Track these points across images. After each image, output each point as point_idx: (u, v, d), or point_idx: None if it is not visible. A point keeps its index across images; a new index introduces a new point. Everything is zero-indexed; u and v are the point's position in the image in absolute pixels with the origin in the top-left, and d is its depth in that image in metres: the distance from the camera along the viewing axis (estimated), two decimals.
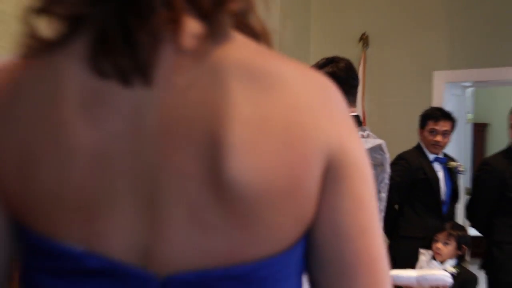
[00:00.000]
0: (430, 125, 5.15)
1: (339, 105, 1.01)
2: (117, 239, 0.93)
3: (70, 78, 0.92)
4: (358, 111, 3.87)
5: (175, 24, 0.91)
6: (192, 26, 0.94)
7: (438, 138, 5.17)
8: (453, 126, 5.44)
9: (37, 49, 0.94)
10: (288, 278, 0.99)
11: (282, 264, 0.97)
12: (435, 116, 5.24)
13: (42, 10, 0.93)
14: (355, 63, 3.94)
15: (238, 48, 0.96)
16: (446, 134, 5.29)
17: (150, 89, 0.91)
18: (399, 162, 4.94)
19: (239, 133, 0.90)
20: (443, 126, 5.24)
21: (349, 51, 7.65)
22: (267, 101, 0.93)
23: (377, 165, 3.38)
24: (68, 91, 0.91)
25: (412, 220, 4.91)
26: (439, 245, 4.69)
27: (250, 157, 0.90)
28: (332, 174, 0.97)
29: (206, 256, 0.93)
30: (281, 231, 0.95)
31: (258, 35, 1.03)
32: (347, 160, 0.99)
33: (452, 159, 5.31)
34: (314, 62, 3.71)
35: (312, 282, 1.03)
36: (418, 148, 5.16)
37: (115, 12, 0.89)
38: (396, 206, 4.91)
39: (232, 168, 0.89)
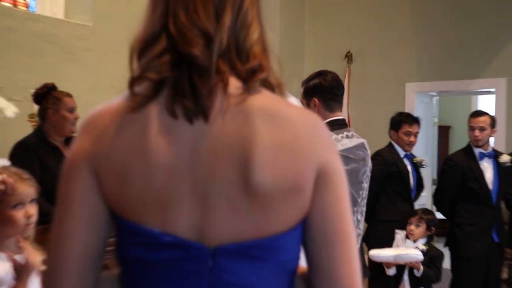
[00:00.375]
0: (406, 128, 5.11)
1: (325, 133, 1.25)
2: (182, 223, 1.17)
3: (154, 118, 1.17)
4: (344, 115, 3.80)
5: (223, 83, 1.17)
6: (234, 83, 1.19)
7: (412, 138, 5.15)
8: (419, 129, 5.43)
9: (136, 102, 1.19)
10: (292, 246, 1.23)
11: (289, 237, 1.21)
12: (410, 120, 5.20)
13: (139, 77, 1.21)
14: (341, 76, 3.92)
15: (261, 97, 1.20)
16: (416, 135, 5.27)
17: (205, 124, 1.16)
18: (376, 158, 4.90)
19: (261, 154, 1.15)
20: (415, 128, 5.22)
21: (337, 66, 7.63)
22: (279, 132, 1.17)
23: (359, 160, 3.33)
24: (152, 127, 1.16)
25: (387, 206, 4.88)
26: (412, 227, 4.67)
27: (268, 170, 1.15)
28: (321, 180, 1.21)
29: (239, 233, 1.17)
30: (288, 217, 1.20)
31: (274, 88, 1.26)
32: (330, 171, 1.22)
33: (414, 156, 5.27)
34: (307, 75, 3.67)
35: (306, 250, 1.26)
36: (390, 146, 5.12)
37: (186, 75, 1.16)
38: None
39: (257, 177, 1.15)
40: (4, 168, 2.32)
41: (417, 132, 5.29)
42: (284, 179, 1.16)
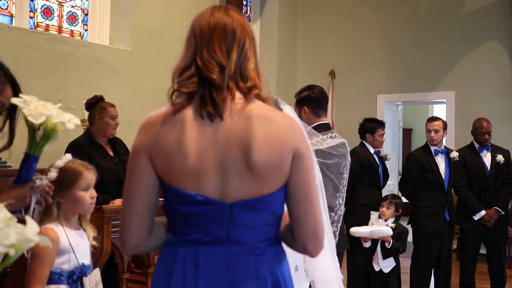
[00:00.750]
0: (380, 131, 5.06)
1: (298, 129, 1.52)
2: (209, 188, 1.43)
3: (188, 119, 1.45)
4: (328, 120, 3.78)
5: (231, 95, 1.46)
6: (238, 96, 1.47)
7: (384, 138, 5.12)
8: None
9: (175, 108, 1.47)
10: (279, 201, 1.49)
11: (277, 195, 1.47)
12: (382, 126, 5.15)
13: (176, 90, 1.50)
14: (326, 89, 3.91)
15: (256, 106, 1.48)
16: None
17: (221, 122, 1.44)
18: (352, 155, 4.85)
19: (257, 143, 1.42)
20: (385, 131, 5.18)
21: (322, 81, 7.62)
22: (268, 129, 1.44)
23: (341, 155, 3.31)
24: (187, 125, 1.44)
25: (362, 192, 4.84)
26: (384, 209, 4.64)
27: (263, 153, 1.42)
28: (295, 159, 1.47)
29: (245, 194, 1.44)
30: (275, 183, 1.46)
31: (264, 99, 1.52)
32: (301, 153, 1.48)
33: (381, 152, 5.21)
34: (299, 88, 3.65)
35: (287, 204, 1.51)
36: (362, 144, 5.07)
37: (207, 91, 1.45)
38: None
39: (255, 158, 1.42)
40: (73, 160, 2.36)
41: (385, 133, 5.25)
42: (272, 159, 1.43)
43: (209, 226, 1.45)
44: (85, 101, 4.32)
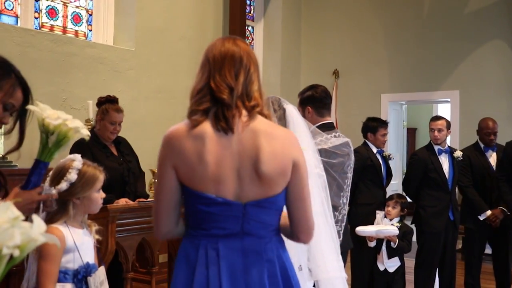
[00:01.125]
0: (382, 131, 5.05)
1: (296, 143, 1.85)
2: (227, 191, 1.73)
3: (208, 131, 1.73)
4: (332, 119, 3.79)
5: (239, 112, 1.76)
6: (244, 113, 1.77)
7: (386, 138, 5.10)
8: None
9: (194, 123, 1.75)
10: (282, 200, 1.83)
11: (280, 196, 1.81)
12: (385, 125, 5.14)
13: (194, 110, 1.77)
14: (329, 89, 3.91)
15: (260, 122, 1.79)
16: (387, 135, 5.21)
17: (233, 135, 1.74)
18: (355, 154, 4.86)
19: (264, 155, 1.74)
20: (387, 130, 5.17)
21: (326, 81, 7.62)
22: (273, 144, 1.76)
23: (345, 155, 3.31)
24: (207, 136, 1.72)
25: (364, 192, 4.83)
26: (390, 208, 4.64)
27: (269, 164, 1.74)
28: (294, 168, 1.80)
29: (256, 195, 1.76)
30: (279, 186, 1.79)
31: (266, 116, 1.83)
32: (299, 163, 1.82)
33: (384, 151, 5.20)
34: (303, 87, 3.65)
35: (286, 204, 1.85)
36: (365, 144, 5.05)
37: (220, 109, 1.75)
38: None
39: (263, 167, 1.74)
40: (85, 162, 2.40)
41: (387, 133, 5.24)
42: (277, 169, 1.76)
43: (226, 222, 1.77)
44: (90, 101, 4.35)
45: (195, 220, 1.78)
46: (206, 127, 1.73)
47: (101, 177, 2.41)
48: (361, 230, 4.42)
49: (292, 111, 2.80)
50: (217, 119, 1.74)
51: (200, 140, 1.72)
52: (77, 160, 2.34)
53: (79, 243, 2.29)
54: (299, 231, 1.87)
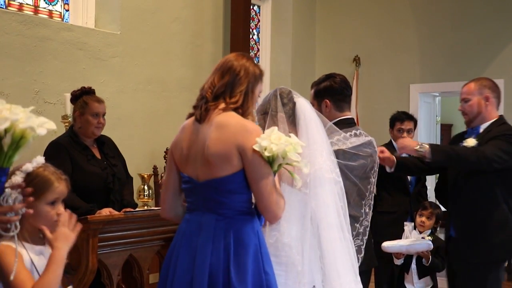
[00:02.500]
0: (398, 125, 5.07)
1: (247, 131, 2.45)
2: (191, 171, 2.54)
3: (189, 123, 2.62)
4: (352, 114, 3.78)
5: (216, 107, 2.55)
6: (220, 107, 2.55)
7: (404, 135, 5.09)
8: (415, 125, 5.34)
9: (188, 115, 2.67)
10: (231, 184, 2.45)
11: (228, 179, 2.44)
12: (401, 118, 5.14)
13: (194, 107, 2.62)
14: (349, 79, 3.91)
15: (224, 115, 2.50)
16: (410, 131, 5.20)
17: (203, 125, 2.53)
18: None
19: (210, 141, 2.47)
20: (407, 125, 5.16)
21: (345, 70, 7.61)
22: (220, 132, 2.46)
23: (367, 156, 3.31)
24: (187, 127, 2.62)
25: (385, 198, 4.84)
26: (424, 219, 4.63)
27: (213, 147, 2.45)
28: (242, 154, 2.43)
29: (205, 176, 2.48)
30: (223, 170, 2.44)
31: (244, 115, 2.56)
32: (245, 149, 2.42)
33: None
34: (318, 77, 3.65)
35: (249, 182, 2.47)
36: (389, 143, 5.07)
37: (203, 103, 2.57)
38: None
39: (206, 151, 2.46)
40: (45, 165, 2.29)
41: (410, 129, 5.20)
42: (220, 152, 2.43)
43: (191, 197, 2.56)
44: (67, 94, 4.35)
45: (185, 195, 2.64)
46: (191, 119, 2.57)
47: (57, 187, 2.28)
48: (389, 245, 4.39)
49: (304, 105, 2.80)
50: (197, 110, 2.54)
51: (183, 130, 2.60)
52: (32, 162, 2.24)
53: (39, 263, 2.25)
54: (261, 211, 2.48)
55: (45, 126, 1.81)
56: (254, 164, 2.41)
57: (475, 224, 3.65)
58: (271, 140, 2.40)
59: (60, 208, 2.30)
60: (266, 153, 2.39)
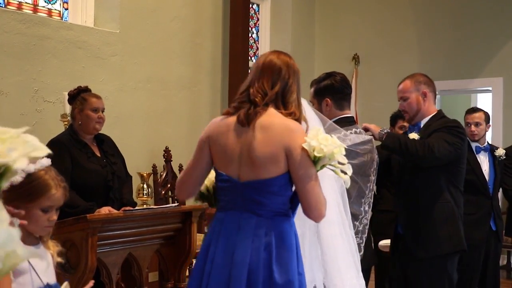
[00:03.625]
0: (400, 123, 5.06)
1: (292, 131, 2.44)
2: (232, 171, 2.50)
3: (231, 123, 2.52)
4: (352, 113, 3.78)
5: (265, 111, 2.49)
6: (271, 111, 2.52)
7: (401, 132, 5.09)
8: None
9: (227, 113, 2.58)
10: (277, 185, 2.44)
11: (274, 181, 2.43)
12: (403, 115, 5.13)
13: (233, 105, 2.57)
14: (348, 77, 3.90)
15: (268, 115, 2.49)
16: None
17: (248, 129, 2.47)
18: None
19: (257, 143, 2.44)
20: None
21: (344, 68, 7.59)
22: (266, 133, 2.44)
23: (366, 154, 3.32)
24: (229, 127, 2.52)
25: (386, 197, 4.83)
26: None
27: (260, 149, 2.43)
28: (288, 156, 2.41)
29: (249, 177, 2.45)
30: (270, 172, 2.43)
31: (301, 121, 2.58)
32: (292, 149, 2.41)
33: None
34: (317, 75, 3.65)
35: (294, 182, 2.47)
36: None
37: (251, 107, 2.49)
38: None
39: (255, 152, 2.43)
40: (48, 169, 2.24)
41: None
42: (267, 154, 2.41)
43: (229, 196, 2.52)
44: (66, 93, 4.33)
45: (218, 194, 2.62)
46: (232, 119, 2.51)
47: (55, 194, 2.22)
48: (385, 244, 4.38)
49: (303, 104, 2.80)
50: (242, 113, 2.47)
51: (224, 129, 2.53)
52: (37, 163, 2.15)
53: (35, 261, 2.24)
54: (305, 210, 2.46)
55: (34, 153, 1.57)
56: (302, 164, 2.40)
57: (421, 219, 3.63)
58: (319, 140, 2.38)
59: (53, 215, 2.27)
60: (316, 153, 2.38)
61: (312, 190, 2.41)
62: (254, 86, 2.51)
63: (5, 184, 1.58)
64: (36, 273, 2.20)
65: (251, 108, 2.46)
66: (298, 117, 2.51)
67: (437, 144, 3.44)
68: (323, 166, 2.46)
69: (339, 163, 2.47)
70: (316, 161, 2.42)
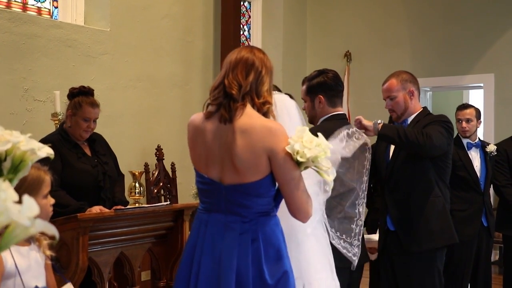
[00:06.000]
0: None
1: (275, 133, 2.39)
2: (213, 173, 2.45)
3: (212, 123, 2.47)
4: (344, 110, 3.79)
5: (244, 107, 2.44)
6: (248, 108, 2.45)
7: None
8: None
9: (207, 114, 2.49)
10: (260, 188, 2.42)
11: (258, 184, 2.40)
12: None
13: (210, 103, 2.49)
14: (341, 74, 3.91)
15: (243, 117, 2.41)
16: None
17: (230, 125, 2.41)
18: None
19: (239, 148, 2.39)
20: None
21: (336, 65, 7.61)
22: (248, 138, 2.38)
23: (359, 155, 3.37)
24: (209, 127, 2.47)
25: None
26: None
27: (242, 155, 2.38)
28: (271, 160, 2.38)
29: (232, 181, 2.41)
30: (253, 176, 2.39)
31: (271, 115, 2.52)
32: (275, 152, 2.37)
33: None
34: (309, 73, 3.66)
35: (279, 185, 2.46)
36: None
37: (228, 101, 2.41)
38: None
39: (237, 158, 2.38)
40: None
41: None
42: (249, 158, 2.38)
43: (212, 198, 2.48)
44: (58, 91, 4.33)
45: (199, 196, 2.61)
46: (214, 119, 2.46)
47: (47, 179, 2.32)
48: (369, 238, 4.30)
49: (284, 99, 2.80)
50: (223, 110, 2.42)
51: (204, 130, 2.47)
52: None
53: (24, 265, 2.22)
54: (292, 211, 2.47)
55: (44, 150, 1.85)
56: (285, 167, 2.37)
57: (413, 214, 3.64)
58: (303, 143, 2.34)
59: (51, 199, 2.35)
60: (299, 158, 2.35)
61: (297, 191, 2.41)
62: (228, 77, 2.45)
63: (22, 175, 1.74)
64: (21, 277, 2.19)
65: (230, 103, 2.41)
66: (271, 107, 2.48)
67: (434, 134, 3.46)
68: (306, 168, 2.44)
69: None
70: (299, 163, 2.40)
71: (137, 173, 5.78)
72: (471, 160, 4.94)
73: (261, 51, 2.59)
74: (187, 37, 6.87)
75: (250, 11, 8.28)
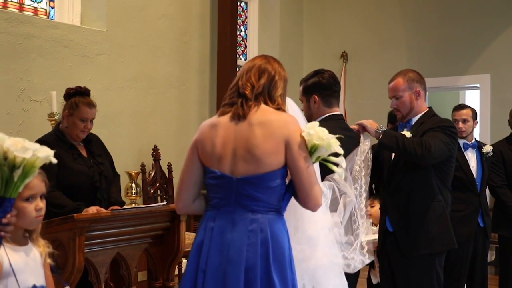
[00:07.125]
0: (389, 126, 5.08)
1: (291, 124, 2.54)
2: (225, 167, 2.53)
3: (225, 120, 2.59)
4: (340, 110, 3.79)
5: (257, 106, 2.59)
6: (263, 107, 2.59)
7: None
8: None
9: (222, 112, 2.64)
10: (273, 180, 2.50)
11: (271, 175, 2.49)
12: (396, 114, 5.12)
13: (225, 103, 2.64)
14: (337, 74, 3.92)
15: (259, 112, 2.56)
16: None
17: (243, 122, 2.55)
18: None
19: (259, 138, 2.51)
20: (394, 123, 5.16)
21: (333, 66, 7.62)
22: (267, 128, 2.51)
23: (360, 152, 3.39)
24: (221, 124, 2.59)
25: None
26: (369, 208, 4.53)
27: (262, 145, 2.49)
28: (288, 148, 2.50)
29: (248, 172, 2.49)
30: (271, 165, 2.49)
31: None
32: (293, 142, 2.50)
33: None
34: (306, 73, 3.67)
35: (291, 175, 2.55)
36: None
37: (242, 99, 2.58)
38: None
39: (254, 148, 2.50)
40: None
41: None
42: (267, 149, 2.48)
43: (222, 192, 2.54)
44: (55, 91, 4.33)
45: (208, 193, 2.62)
46: (224, 117, 2.58)
47: (31, 181, 2.16)
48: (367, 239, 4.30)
49: (291, 105, 2.82)
50: (237, 107, 2.55)
51: (216, 127, 2.58)
52: None
53: (20, 264, 2.22)
54: (303, 199, 2.54)
55: (50, 158, 1.94)
56: (300, 154, 2.47)
57: (413, 217, 3.63)
58: (317, 131, 2.47)
59: (39, 203, 2.26)
60: (315, 141, 2.46)
61: (310, 180, 2.49)
62: (242, 79, 2.61)
63: (29, 180, 1.79)
64: (16, 277, 2.18)
65: (243, 101, 2.54)
66: (284, 111, 2.62)
67: (433, 143, 3.43)
68: (318, 158, 2.53)
69: (335, 154, 2.54)
70: (312, 152, 2.50)
71: (133, 173, 5.78)
72: (467, 161, 4.94)
73: (276, 61, 2.72)
74: (184, 38, 6.87)
75: (246, 12, 8.29)
